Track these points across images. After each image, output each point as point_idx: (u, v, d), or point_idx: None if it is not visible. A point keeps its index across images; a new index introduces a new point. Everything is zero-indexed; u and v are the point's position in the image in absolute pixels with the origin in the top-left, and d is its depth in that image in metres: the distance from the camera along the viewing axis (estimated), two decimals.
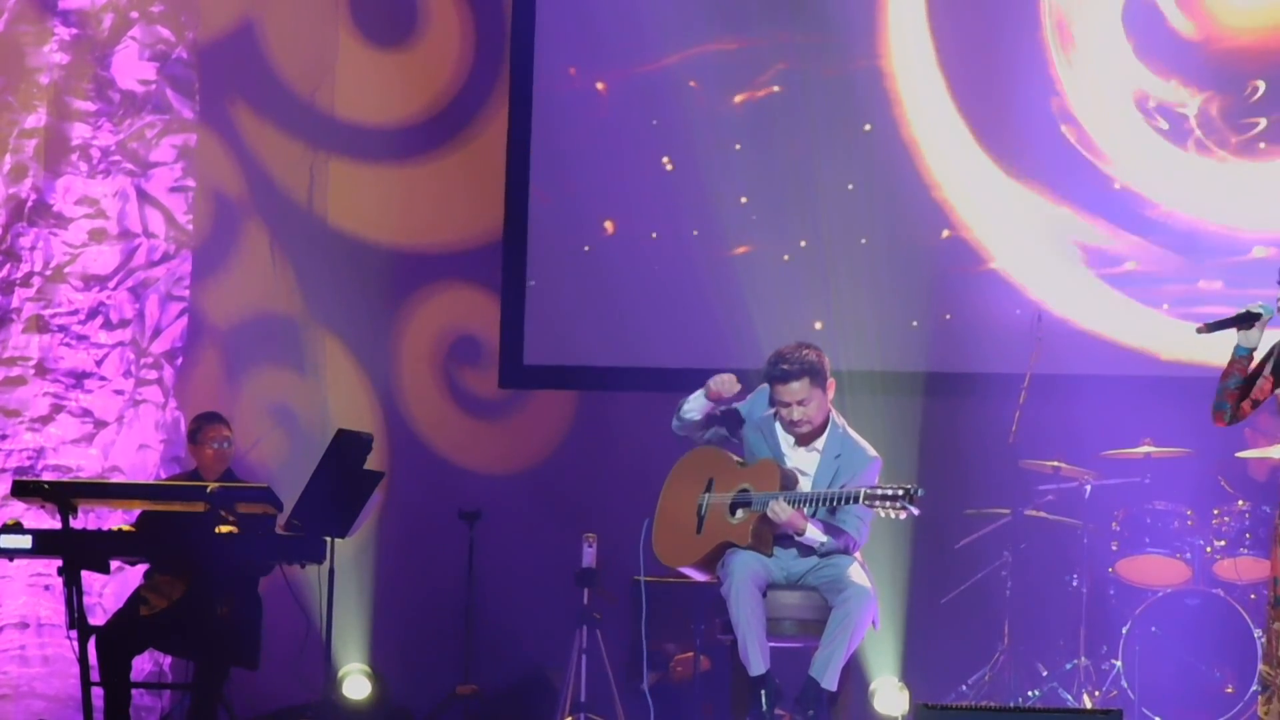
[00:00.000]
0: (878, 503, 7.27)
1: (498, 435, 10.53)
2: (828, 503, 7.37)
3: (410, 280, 10.57)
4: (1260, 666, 6.45)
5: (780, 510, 7.35)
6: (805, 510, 7.42)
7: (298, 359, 10.33)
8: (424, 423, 10.57)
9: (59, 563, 7.33)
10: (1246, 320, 6.38)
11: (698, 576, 7.72)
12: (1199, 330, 6.49)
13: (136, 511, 8.45)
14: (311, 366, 10.36)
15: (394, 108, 10.60)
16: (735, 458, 7.65)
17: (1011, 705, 8.78)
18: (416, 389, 10.56)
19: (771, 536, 7.52)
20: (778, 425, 7.61)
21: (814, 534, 7.44)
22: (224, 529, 7.43)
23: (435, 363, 10.63)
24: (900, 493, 7.23)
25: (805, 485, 7.52)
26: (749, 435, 7.66)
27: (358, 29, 10.62)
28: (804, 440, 7.56)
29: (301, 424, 10.11)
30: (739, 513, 7.51)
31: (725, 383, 7.57)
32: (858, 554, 7.60)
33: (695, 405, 7.67)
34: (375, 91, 10.59)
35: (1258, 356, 6.44)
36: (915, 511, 7.28)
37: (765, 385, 7.68)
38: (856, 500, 7.31)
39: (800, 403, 7.49)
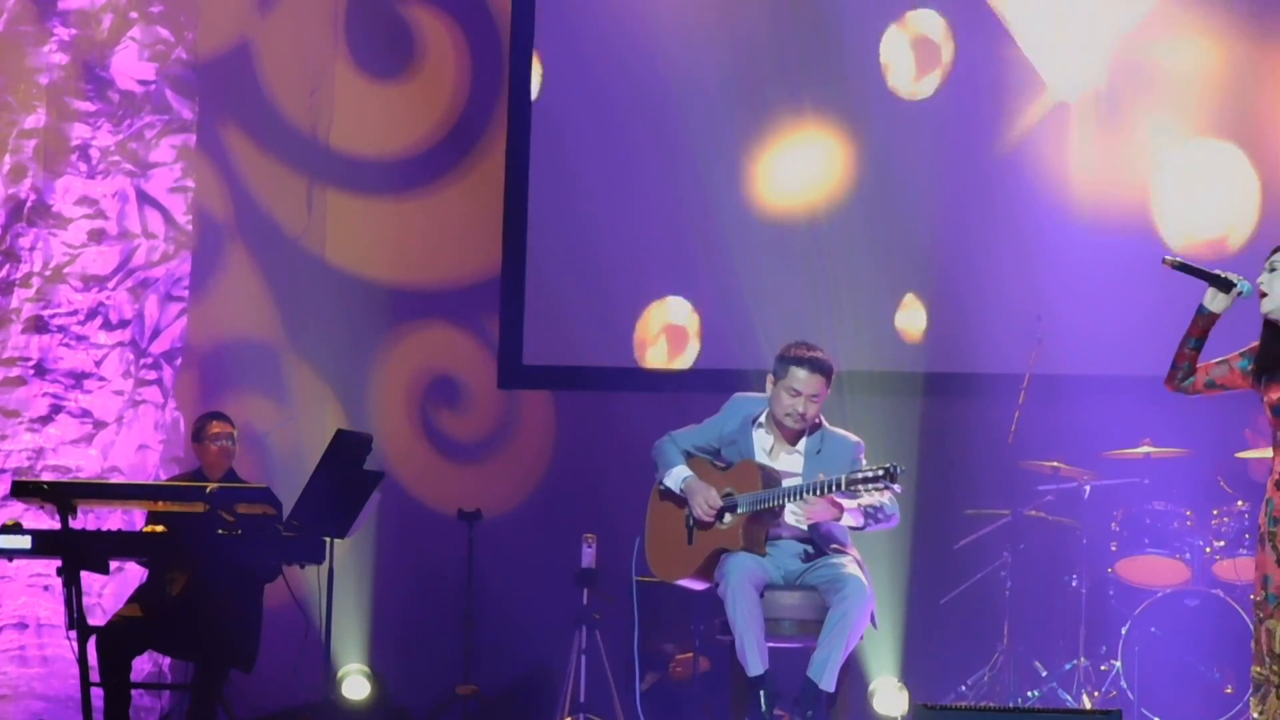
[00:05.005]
0: (860, 486, 7.24)
1: (497, 442, 10.54)
2: (811, 493, 7.34)
3: (404, 314, 10.55)
4: (1252, 668, 6.42)
5: (807, 508, 7.33)
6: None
7: (281, 386, 10.32)
8: (420, 432, 10.60)
9: (58, 563, 7.31)
10: (1221, 284, 6.23)
11: (696, 586, 7.72)
12: (1165, 261, 6.35)
13: (139, 513, 8.46)
14: (294, 396, 10.34)
15: (391, 139, 10.57)
16: (715, 464, 7.64)
17: (1011, 705, 8.78)
18: (398, 425, 10.55)
19: (764, 536, 7.51)
20: (755, 432, 7.60)
21: (850, 517, 7.43)
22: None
23: (429, 388, 10.61)
24: (880, 473, 7.21)
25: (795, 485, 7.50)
26: (725, 454, 7.65)
27: (354, 60, 10.59)
28: (789, 439, 7.55)
29: (278, 452, 10.09)
30: (726, 517, 7.50)
31: (703, 510, 7.55)
32: (856, 552, 7.59)
33: (671, 483, 7.62)
34: (372, 123, 10.56)
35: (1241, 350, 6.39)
36: (898, 489, 7.26)
37: (737, 397, 7.69)
38: (839, 487, 7.29)
39: (813, 397, 7.49)
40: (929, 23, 10.13)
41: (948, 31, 10.13)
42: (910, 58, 10.15)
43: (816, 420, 7.57)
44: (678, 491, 7.57)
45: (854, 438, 7.59)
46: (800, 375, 7.47)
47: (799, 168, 10.18)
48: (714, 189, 10.13)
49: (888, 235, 10.04)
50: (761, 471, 7.48)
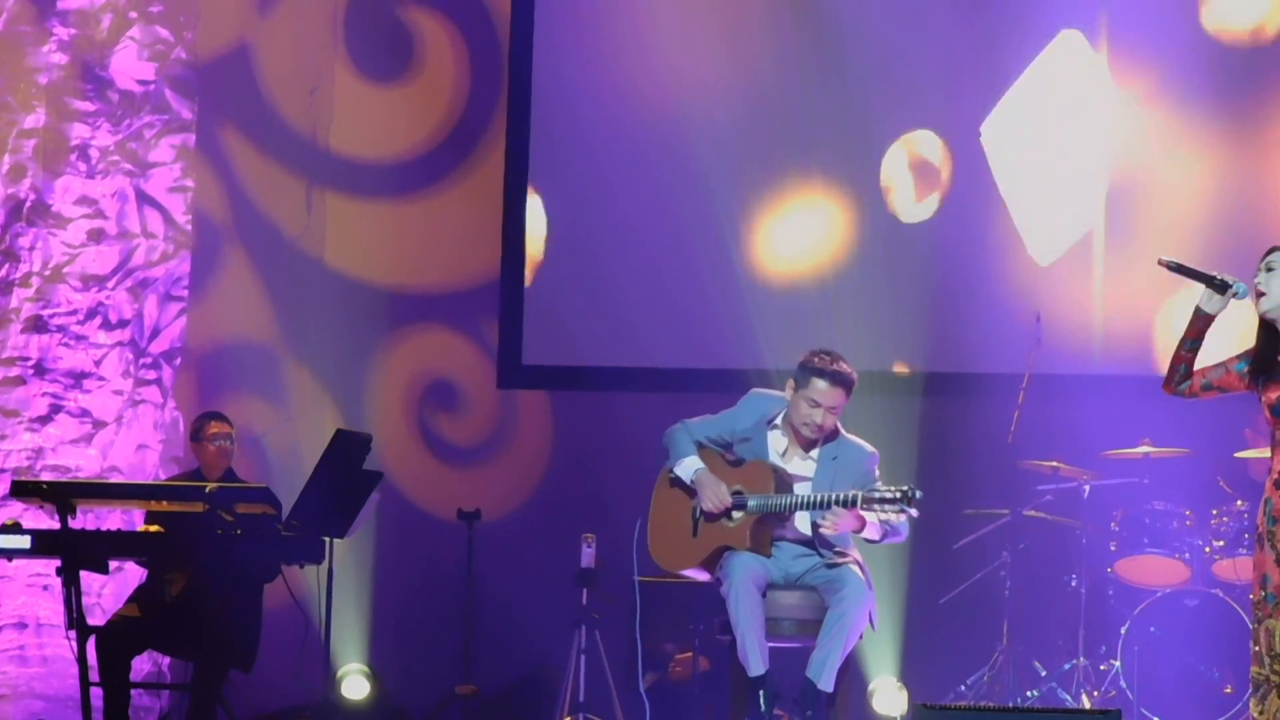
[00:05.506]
0: (875, 506, 7.23)
1: (496, 443, 10.53)
2: (825, 505, 7.34)
3: (402, 317, 10.54)
4: (1251, 669, 6.42)
5: (834, 520, 7.32)
6: (799, 513, 7.44)
7: (279, 388, 10.31)
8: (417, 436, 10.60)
9: (58, 563, 7.30)
10: (1217, 286, 6.25)
11: (699, 577, 7.71)
12: (1160, 262, 6.37)
13: (139, 513, 8.45)
14: (292, 398, 10.33)
15: (390, 142, 10.55)
16: (726, 457, 7.63)
17: (1010, 705, 8.77)
18: (397, 427, 10.54)
19: (769, 537, 7.51)
20: (770, 433, 7.58)
21: (870, 530, 7.43)
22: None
23: (427, 391, 10.60)
24: (898, 495, 7.20)
25: (805, 489, 7.48)
26: (737, 450, 7.64)
27: (353, 62, 10.58)
28: (803, 445, 7.54)
29: (274, 454, 10.09)
30: (735, 514, 7.50)
31: (713, 505, 7.53)
32: (857, 554, 7.59)
33: (682, 473, 7.61)
34: (371, 125, 10.55)
35: (1231, 348, 6.39)
36: (914, 513, 7.25)
37: (754, 393, 7.68)
38: (854, 504, 7.28)
39: (832, 409, 7.47)
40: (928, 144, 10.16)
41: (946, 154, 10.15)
42: (910, 180, 10.17)
43: (833, 430, 7.57)
44: (688, 482, 7.56)
45: (870, 448, 7.58)
46: (821, 387, 7.45)
47: (802, 162, 10.20)
48: (714, 189, 10.13)
49: (890, 231, 10.07)
50: (774, 474, 7.47)
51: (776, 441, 7.57)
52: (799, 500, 7.39)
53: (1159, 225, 9.80)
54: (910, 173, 10.12)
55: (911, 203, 10.12)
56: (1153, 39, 9.86)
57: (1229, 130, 9.85)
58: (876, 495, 7.23)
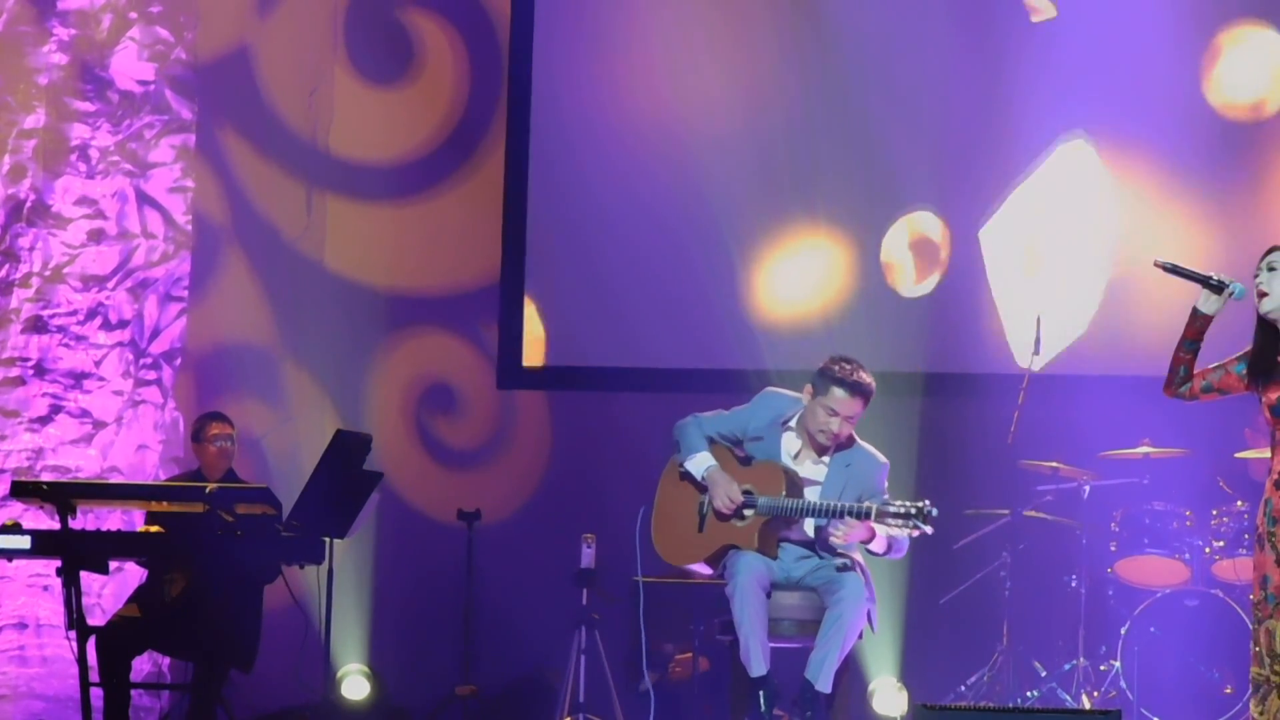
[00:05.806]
0: (889, 520, 7.22)
1: (496, 444, 10.54)
2: (838, 515, 7.33)
3: (402, 319, 10.54)
4: (1251, 669, 6.42)
5: (845, 530, 7.31)
6: (807, 520, 7.44)
7: (278, 391, 10.31)
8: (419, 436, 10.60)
9: (58, 563, 7.30)
10: (1213, 287, 6.26)
11: (702, 571, 7.71)
12: (1156, 263, 6.38)
13: (139, 513, 8.45)
14: (291, 400, 10.33)
15: (390, 144, 10.55)
16: (735, 453, 7.62)
17: (1010, 706, 8.77)
18: (396, 430, 10.54)
19: (776, 539, 7.50)
20: (783, 434, 7.57)
21: (878, 543, 7.43)
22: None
23: (426, 393, 10.60)
24: (913, 511, 7.19)
25: (815, 494, 7.49)
26: (748, 448, 7.62)
27: (353, 64, 10.58)
28: (816, 449, 7.53)
29: (273, 456, 10.08)
30: (746, 514, 7.48)
31: (724, 504, 7.52)
32: (859, 556, 7.58)
33: (693, 468, 7.59)
34: (371, 127, 10.55)
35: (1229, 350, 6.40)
36: (929, 530, 7.24)
37: (768, 392, 7.67)
38: (867, 516, 7.27)
39: (849, 418, 7.46)
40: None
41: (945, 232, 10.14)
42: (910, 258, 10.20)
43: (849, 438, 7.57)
44: (699, 479, 7.54)
45: (882, 458, 7.57)
46: (839, 396, 7.43)
47: (802, 162, 10.20)
48: (714, 191, 10.14)
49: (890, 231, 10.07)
50: (786, 477, 7.46)
51: (790, 443, 7.56)
52: (810, 507, 7.38)
53: (1158, 313, 9.76)
54: (910, 252, 10.10)
55: (911, 283, 10.11)
56: (1157, 131, 9.79)
57: (1232, 209, 9.79)
58: (891, 510, 7.22)
